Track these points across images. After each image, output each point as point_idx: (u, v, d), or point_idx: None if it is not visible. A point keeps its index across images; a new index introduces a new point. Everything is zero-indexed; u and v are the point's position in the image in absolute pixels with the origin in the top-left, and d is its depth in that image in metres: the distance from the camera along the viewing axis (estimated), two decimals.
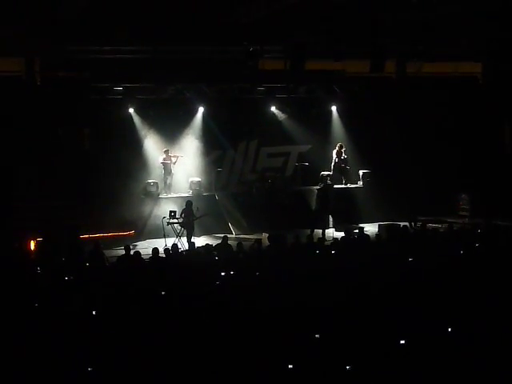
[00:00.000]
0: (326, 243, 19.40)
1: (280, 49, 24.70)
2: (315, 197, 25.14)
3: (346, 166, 26.93)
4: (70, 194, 23.07)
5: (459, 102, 27.89)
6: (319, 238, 20.19)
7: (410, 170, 26.71)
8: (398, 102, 27.32)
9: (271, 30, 22.10)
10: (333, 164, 26.76)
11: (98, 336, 11.19)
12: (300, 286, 13.85)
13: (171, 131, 25.58)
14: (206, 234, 24.02)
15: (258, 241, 18.81)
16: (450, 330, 11.42)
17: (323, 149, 27.33)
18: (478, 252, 17.73)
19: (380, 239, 19.47)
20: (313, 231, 22.79)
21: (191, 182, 25.27)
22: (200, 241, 22.01)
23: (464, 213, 26.72)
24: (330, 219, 25.11)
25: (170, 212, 22.71)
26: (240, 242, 18.84)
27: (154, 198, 24.52)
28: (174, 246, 18.37)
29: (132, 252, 17.14)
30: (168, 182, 25.07)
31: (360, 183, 27.06)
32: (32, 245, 20.31)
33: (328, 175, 26.13)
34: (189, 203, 22.73)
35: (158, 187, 24.72)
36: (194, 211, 22.58)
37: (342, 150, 26.73)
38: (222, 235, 20.02)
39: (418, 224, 22.91)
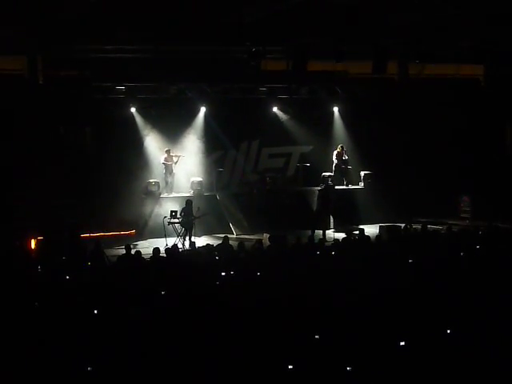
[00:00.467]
0: (327, 244, 19.41)
1: (282, 49, 24.75)
2: (316, 197, 25.13)
3: (347, 167, 26.93)
4: (71, 193, 23.07)
5: (461, 104, 27.86)
6: (320, 239, 20.19)
7: (411, 171, 26.71)
8: (399, 104, 27.33)
9: (274, 30, 22.09)
10: (334, 165, 26.77)
11: (98, 335, 11.19)
12: (300, 287, 13.84)
13: (173, 131, 25.62)
14: (207, 234, 24.01)
15: (259, 241, 18.80)
16: (448, 331, 11.41)
17: (325, 150, 27.34)
18: (478, 254, 17.71)
19: (380, 240, 19.46)
20: (314, 232, 22.79)
21: (192, 181, 25.27)
22: (201, 241, 22.02)
23: (465, 215, 26.71)
24: (331, 220, 25.10)
25: (171, 212, 22.69)
26: (241, 241, 18.83)
27: (156, 197, 24.53)
28: (174, 245, 18.38)
29: (133, 251, 17.14)
30: (169, 181, 25.08)
31: (361, 184, 27.06)
32: (33, 244, 20.32)
33: (329, 176, 26.13)
34: (188, 202, 22.74)
35: (159, 187, 24.73)
36: (195, 211, 22.58)
37: (343, 152, 26.74)
38: (223, 235, 20.02)
39: (412, 225, 22.90)
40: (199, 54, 24.04)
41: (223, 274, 15.44)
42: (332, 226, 24.93)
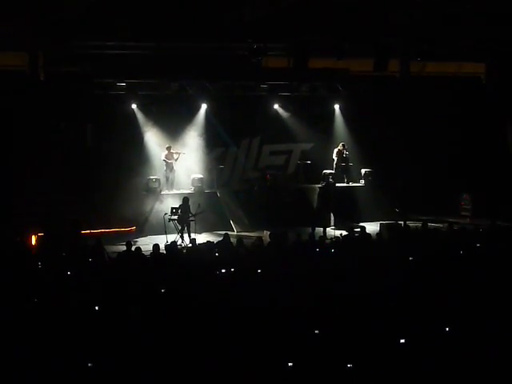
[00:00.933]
0: (327, 241, 19.41)
1: (284, 47, 24.72)
2: (317, 195, 25.12)
3: (347, 164, 26.92)
4: (71, 190, 23.08)
5: (462, 102, 27.87)
6: (320, 236, 20.21)
7: (411, 169, 26.71)
8: (400, 102, 27.31)
9: (275, 27, 22.08)
10: (334, 162, 26.76)
11: (99, 332, 11.20)
12: (301, 284, 13.84)
13: (174, 128, 25.60)
14: (208, 231, 23.99)
15: (259, 238, 18.79)
16: (447, 329, 11.42)
17: (325, 147, 27.32)
18: (478, 252, 17.72)
19: (381, 238, 19.45)
20: (314, 229, 22.78)
21: (193, 178, 25.28)
22: (201, 238, 22.00)
23: (466, 213, 26.72)
24: (332, 217, 25.08)
25: (172, 208, 22.69)
26: (240, 238, 18.84)
27: (156, 194, 24.51)
28: (173, 242, 18.39)
29: (133, 248, 17.14)
30: (170, 178, 25.07)
31: (362, 182, 27.06)
32: (33, 240, 20.33)
33: (330, 173, 26.13)
34: (185, 200, 22.78)
35: (160, 183, 24.71)
36: (195, 208, 22.59)
37: (344, 149, 26.73)
38: (224, 232, 20.01)
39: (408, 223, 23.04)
40: (200, 50, 24.02)
41: (223, 270, 15.44)
42: (332, 223, 24.91)
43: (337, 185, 26.05)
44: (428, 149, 27.34)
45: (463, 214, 26.76)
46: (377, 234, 20.26)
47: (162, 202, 24.32)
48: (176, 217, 22.48)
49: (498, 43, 25.51)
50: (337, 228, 23.86)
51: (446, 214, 25.52)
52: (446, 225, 21.57)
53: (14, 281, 14.33)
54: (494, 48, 26.22)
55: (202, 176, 25.52)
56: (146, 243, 21.06)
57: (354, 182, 27.18)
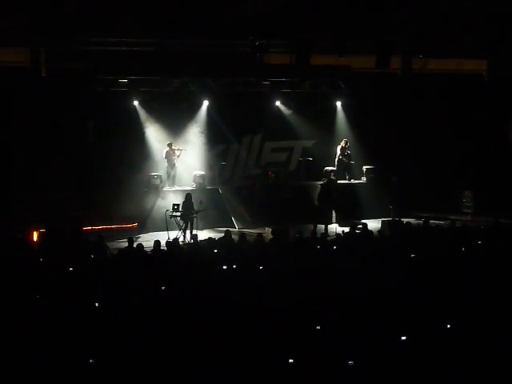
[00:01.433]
0: (329, 238, 19.42)
1: (286, 43, 24.71)
2: (318, 192, 25.10)
3: (349, 161, 26.91)
4: (73, 186, 23.12)
5: (464, 99, 27.84)
6: (322, 233, 20.20)
7: (413, 166, 26.72)
8: (402, 98, 27.30)
9: (277, 24, 22.08)
10: (337, 159, 26.76)
11: (100, 328, 11.21)
12: (302, 281, 13.85)
13: (175, 124, 25.58)
14: (209, 227, 24.00)
15: (261, 235, 18.79)
16: (449, 326, 11.43)
17: (327, 144, 27.32)
18: (480, 249, 17.73)
19: (383, 235, 19.46)
20: (316, 226, 22.76)
21: (195, 175, 25.27)
22: (203, 234, 21.99)
23: (467, 210, 26.70)
24: (333, 214, 25.07)
25: (174, 205, 22.69)
26: (242, 233, 18.84)
27: (158, 190, 24.51)
28: (175, 239, 18.40)
29: (135, 245, 17.15)
30: (171, 174, 25.07)
31: (363, 179, 27.03)
32: (35, 236, 20.34)
33: (332, 170, 26.13)
34: (188, 196, 22.77)
35: (161, 180, 24.71)
36: (197, 204, 22.59)
37: (347, 146, 26.74)
38: (225, 229, 20.02)
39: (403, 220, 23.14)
40: (202, 47, 24.02)
41: (225, 267, 15.45)
42: (334, 220, 24.89)
43: (338, 182, 26.06)
44: (430, 146, 27.32)
45: (465, 211, 26.73)
46: (378, 231, 20.26)
47: (163, 198, 24.33)
48: (178, 213, 22.49)
49: (500, 40, 25.48)
50: (338, 225, 23.85)
51: (447, 211, 25.48)
52: (447, 222, 21.55)
53: (15, 277, 14.35)
54: (496, 45, 26.18)
55: (203, 173, 25.51)
56: (147, 240, 21.05)
57: (356, 179, 27.16)
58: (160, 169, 25.07)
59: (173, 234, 21.81)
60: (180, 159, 25.19)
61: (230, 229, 21.25)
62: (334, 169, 26.42)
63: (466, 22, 23.09)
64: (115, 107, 24.45)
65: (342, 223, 23.70)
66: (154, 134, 25.36)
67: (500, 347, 10.53)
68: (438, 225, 21.20)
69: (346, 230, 20.35)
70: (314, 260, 16.02)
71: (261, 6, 21.15)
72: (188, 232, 22.05)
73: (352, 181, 27.07)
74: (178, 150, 25.05)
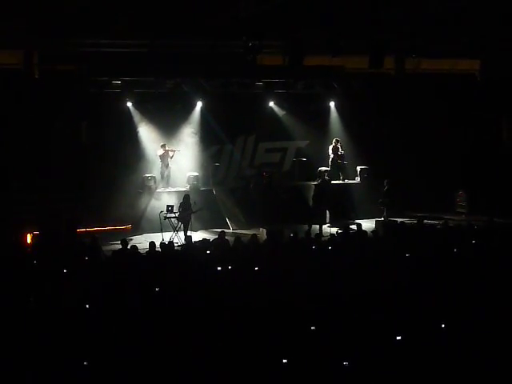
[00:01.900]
0: (324, 239, 19.43)
1: (279, 44, 24.67)
2: (313, 192, 25.10)
3: (343, 161, 26.93)
4: (67, 188, 23.07)
5: (457, 99, 27.87)
6: (316, 234, 20.21)
7: (407, 166, 26.75)
8: (396, 99, 27.32)
9: (270, 24, 22.05)
10: (330, 160, 26.78)
11: (95, 330, 11.19)
12: (297, 281, 13.85)
13: (169, 125, 25.58)
14: (204, 228, 24.00)
15: (256, 236, 18.79)
16: (443, 326, 11.44)
17: (321, 144, 27.33)
18: (474, 249, 17.75)
19: (377, 235, 19.47)
20: (310, 226, 22.79)
21: (189, 176, 25.25)
22: (197, 235, 22.00)
23: (461, 209, 26.74)
24: (328, 215, 25.07)
25: (168, 206, 22.69)
26: (238, 236, 18.84)
27: (152, 191, 24.48)
28: (171, 242, 18.38)
29: (129, 246, 17.13)
30: (165, 176, 25.06)
31: (357, 179, 27.05)
32: (28, 238, 20.30)
33: (326, 171, 26.14)
34: (186, 197, 22.75)
35: (155, 181, 24.69)
36: (192, 205, 22.58)
37: (339, 146, 26.76)
38: (220, 230, 20.01)
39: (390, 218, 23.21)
40: (195, 48, 24.00)
41: (219, 268, 15.44)
42: (328, 220, 24.90)
43: (332, 182, 26.07)
44: (423, 146, 27.36)
45: (459, 210, 26.78)
46: (372, 231, 20.27)
47: (157, 199, 24.31)
48: (172, 214, 22.48)
49: (493, 40, 25.51)
50: (333, 225, 23.87)
51: (441, 210, 25.53)
52: (441, 222, 21.58)
53: (9, 279, 14.31)
54: (489, 45, 26.22)
55: (197, 174, 25.50)
56: (141, 241, 21.04)
57: (350, 180, 27.19)
58: (154, 170, 25.05)
59: (167, 236, 21.81)
60: (174, 160, 25.17)
61: (225, 230, 21.24)
62: (328, 169, 26.43)
63: (459, 22, 23.08)
64: (109, 109, 24.45)
65: (336, 223, 23.72)
66: (148, 135, 25.34)
67: (495, 347, 10.55)
68: (432, 224, 21.24)
69: (340, 230, 20.37)
70: (309, 260, 16.02)
71: (253, 7, 21.11)
72: (181, 233, 22.03)
73: (346, 181, 27.09)
74: (171, 151, 25.03)
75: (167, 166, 25.02)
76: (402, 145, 26.94)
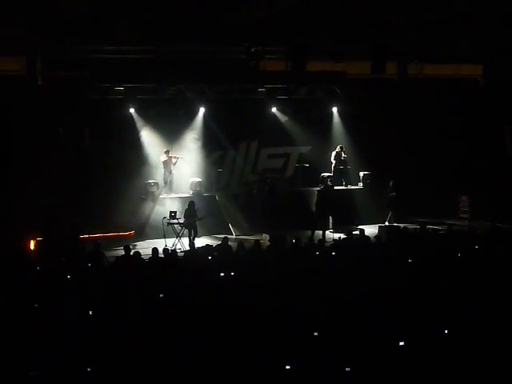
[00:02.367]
0: (327, 244, 19.41)
1: (281, 50, 24.72)
2: (315, 198, 25.10)
3: (346, 167, 26.94)
4: (70, 194, 23.06)
5: (460, 104, 27.88)
6: (320, 239, 20.20)
7: (410, 171, 26.74)
8: (398, 104, 27.33)
9: (273, 30, 22.10)
10: (333, 165, 26.78)
11: (98, 336, 11.19)
12: (300, 287, 13.84)
13: (172, 131, 25.60)
14: (207, 234, 24.01)
15: (259, 242, 18.79)
16: (446, 331, 11.42)
17: (323, 150, 27.34)
18: (477, 254, 17.72)
19: (380, 241, 19.46)
20: (313, 232, 22.79)
21: (192, 182, 25.26)
22: (200, 241, 22.00)
23: (464, 215, 26.69)
24: (330, 220, 25.08)
25: (170, 212, 22.70)
26: (240, 241, 18.83)
27: (155, 198, 24.50)
28: (174, 251, 18.39)
29: (132, 252, 17.13)
30: (168, 182, 25.07)
31: (360, 185, 27.06)
32: (32, 244, 20.30)
33: (328, 176, 26.13)
34: (191, 204, 22.76)
35: (158, 187, 24.71)
36: (197, 212, 22.60)
37: (342, 152, 26.76)
38: (223, 236, 20.01)
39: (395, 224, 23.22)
40: (198, 54, 24.05)
41: (222, 274, 15.44)
42: (331, 226, 24.91)
43: (335, 188, 26.07)
44: (426, 151, 27.36)
45: (462, 215, 26.73)
46: (375, 236, 20.26)
47: (160, 205, 24.31)
48: (175, 220, 22.49)
49: (495, 45, 25.53)
50: (336, 231, 23.86)
51: (444, 216, 25.52)
52: (444, 227, 21.56)
53: (12, 286, 14.32)
54: (492, 50, 26.24)
55: (200, 179, 25.51)
56: (144, 247, 21.05)
57: (353, 185, 27.18)
58: (157, 176, 25.07)
59: (170, 242, 21.81)
60: (176, 166, 25.18)
61: (228, 236, 21.24)
62: (331, 175, 26.42)
63: (462, 27, 23.12)
64: (111, 115, 24.46)
65: (339, 229, 23.71)
66: (151, 141, 25.36)
67: (498, 352, 10.53)
68: (435, 230, 21.22)
69: (344, 235, 20.36)
70: (312, 266, 16.00)
71: (256, 13, 21.16)
72: (191, 239, 22.03)
73: (349, 186, 27.09)
74: (174, 157, 25.04)
75: (170, 172, 25.03)
76: (404, 150, 26.92)
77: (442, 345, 10.84)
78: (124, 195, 23.58)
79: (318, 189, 25.44)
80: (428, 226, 21.75)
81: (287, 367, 10.04)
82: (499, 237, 19.12)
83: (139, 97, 24.84)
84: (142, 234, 23.64)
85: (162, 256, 17.21)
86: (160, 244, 20.99)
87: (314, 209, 25.02)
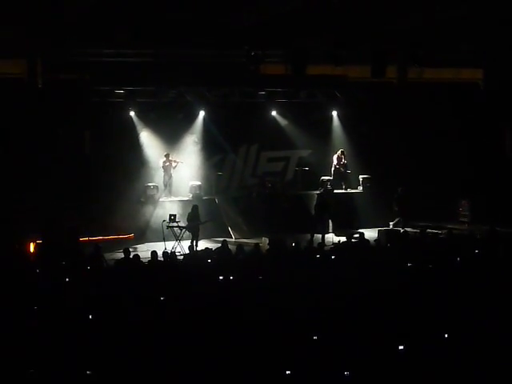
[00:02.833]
0: (326, 248, 19.41)
1: (281, 53, 24.72)
2: (315, 201, 25.10)
3: (346, 170, 26.93)
4: (70, 197, 23.06)
5: (460, 108, 27.89)
6: (319, 243, 20.20)
7: (410, 175, 26.73)
8: (398, 108, 27.33)
9: (273, 34, 22.12)
10: (333, 169, 26.78)
11: (97, 339, 11.18)
12: (299, 291, 13.83)
13: (172, 135, 25.59)
14: (206, 237, 23.97)
15: (258, 245, 18.78)
16: (446, 336, 11.41)
17: (323, 154, 27.33)
18: (477, 258, 17.72)
19: (379, 244, 19.45)
20: (313, 236, 22.79)
21: (191, 185, 25.25)
22: (200, 244, 22.01)
23: (464, 219, 26.69)
24: (330, 224, 25.09)
25: (170, 215, 22.70)
26: (240, 244, 18.82)
27: (154, 201, 24.50)
28: (173, 253, 18.38)
29: (131, 255, 17.12)
30: (168, 185, 25.07)
31: (360, 188, 27.05)
32: (32, 247, 20.30)
33: (328, 180, 26.14)
34: (194, 207, 22.75)
35: (158, 190, 24.71)
36: (200, 216, 22.60)
37: (343, 156, 26.75)
38: (222, 239, 20.00)
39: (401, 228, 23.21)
40: (198, 57, 24.05)
41: (221, 277, 15.42)
42: (331, 229, 24.91)
43: (335, 191, 26.07)
44: (426, 155, 27.36)
45: (461, 220, 26.73)
46: (375, 240, 20.25)
47: (159, 208, 24.31)
48: (175, 224, 22.49)
49: (496, 49, 25.54)
50: (335, 234, 23.86)
51: (444, 220, 25.53)
52: (444, 231, 21.55)
53: (12, 288, 14.31)
54: (492, 53, 26.24)
55: (200, 183, 25.51)
56: (144, 250, 21.04)
57: (353, 189, 27.17)
58: (156, 179, 25.07)
59: (169, 245, 21.80)
60: (176, 169, 25.17)
61: (227, 239, 21.21)
62: (331, 178, 26.43)
63: (462, 31, 23.14)
64: (111, 118, 24.49)
65: (338, 232, 23.71)
66: (151, 145, 25.36)
67: (498, 356, 10.52)
68: (434, 234, 21.21)
69: (343, 239, 20.36)
70: (312, 270, 16.00)
71: (256, 16, 21.18)
72: (194, 243, 22.02)
73: (348, 190, 27.07)
74: (174, 161, 25.04)
75: (170, 175, 25.03)
76: (404, 154, 26.92)
77: (442, 349, 10.83)
78: (123, 198, 23.60)
79: (318, 192, 25.44)
80: (428, 230, 21.74)
81: (287, 372, 10.02)
82: (499, 241, 19.11)
83: (139, 100, 24.83)
84: (141, 237, 23.63)
85: (162, 259, 17.21)
86: (160, 247, 20.97)
87: (313, 212, 25.01)
